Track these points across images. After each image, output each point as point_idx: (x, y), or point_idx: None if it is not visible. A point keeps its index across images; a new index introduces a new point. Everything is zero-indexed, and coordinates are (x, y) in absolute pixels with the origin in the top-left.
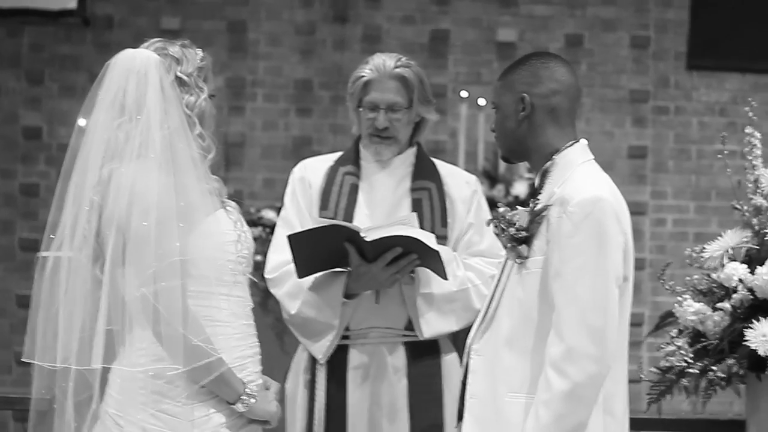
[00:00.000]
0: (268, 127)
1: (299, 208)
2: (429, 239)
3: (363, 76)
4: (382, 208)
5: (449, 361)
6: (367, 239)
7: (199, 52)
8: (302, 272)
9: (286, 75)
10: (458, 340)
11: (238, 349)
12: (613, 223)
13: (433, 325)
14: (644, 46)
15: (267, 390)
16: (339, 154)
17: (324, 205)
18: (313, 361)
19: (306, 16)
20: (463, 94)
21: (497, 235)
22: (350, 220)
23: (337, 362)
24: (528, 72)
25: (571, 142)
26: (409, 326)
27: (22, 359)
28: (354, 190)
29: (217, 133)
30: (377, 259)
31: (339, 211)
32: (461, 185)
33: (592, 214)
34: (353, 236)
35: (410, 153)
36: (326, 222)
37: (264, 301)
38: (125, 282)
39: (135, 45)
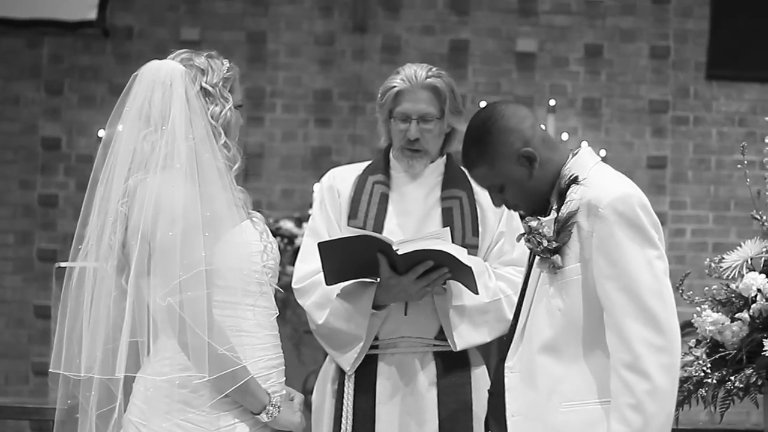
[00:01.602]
0: (287, 137)
1: (328, 218)
2: (461, 254)
3: (394, 87)
4: (412, 218)
5: (479, 374)
6: (399, 252)
7: (226, 63)
8: (331, 280)
9: (305, 85)
10: (488, 353)
11: (263, 359)
12: (646, 216)
13: (465, 337)
14: (664, 56)
15: (291, 401)
16: (368, 163)
17: (353, 214)
18: (340, 371)
19: (325, 27)
20: (483, 104)
21: (531, 249)
22: (380, 230)
23: (366, 372)
24: (503, 136)
25: (574, 150)
26: (440, 335)
27: (50, 369)
28: (384, 199)
29: (240, 144)
30: (408, 272)
31: (369, 220)
32: None
33: (625, 212)
34: (385, 248)
35: (440, 162)
36: (358, 232)
37: (282, 311)
38: (150, 292)
39: (155, 56)
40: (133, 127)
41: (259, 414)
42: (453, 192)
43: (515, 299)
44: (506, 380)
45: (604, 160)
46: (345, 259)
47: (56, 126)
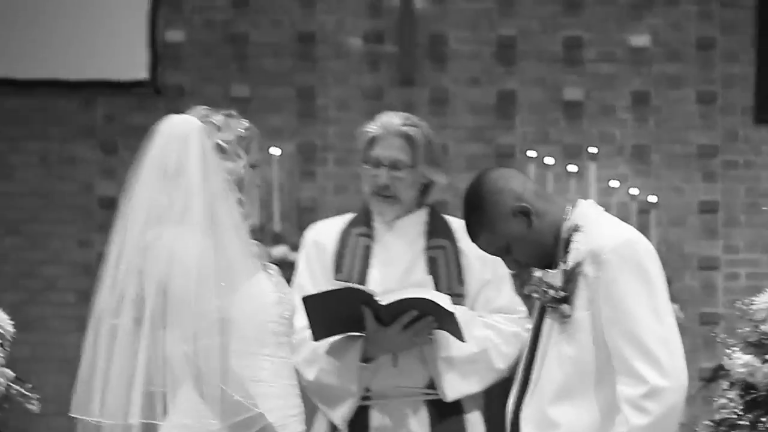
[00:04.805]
0: (339, 190)
1: (313, 273)
2: (444, 301)
3: (368, 132)
4: (396, 269)
5: (473, 419)
6: (382, 303)
7: (244, 123)
8: (318, 335)
9: (356, 139)
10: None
11: (281, 408)
12: (650, 261)
13: (456, 387)
14: (711, 101)
15: None
16: (351, 215)
17: (338, 268)
18: (333, 428)
19: (373, 81)
20: (531, 153)
21: (538, 299)
22: (363, 282)
23: (359, 425)
24: (494, 197)
25: (575, 202)
26: (431, 385)
27: (70, 413)
28: (367, 251)
29: (290, 200)
30: (393, 323)
31: (353, 273)
32: None
33: (629, 257)
34: (367, 299)
35: (422, 214)
36: (340, 285)
37: None
38: (167, 342)
39: None
40: (150, 179)
41: None
42: (437, 241)
43: (504, 348)
44: (522, 430)
45: (654, 206)
46: (330, 314)
47: (112, 185)
